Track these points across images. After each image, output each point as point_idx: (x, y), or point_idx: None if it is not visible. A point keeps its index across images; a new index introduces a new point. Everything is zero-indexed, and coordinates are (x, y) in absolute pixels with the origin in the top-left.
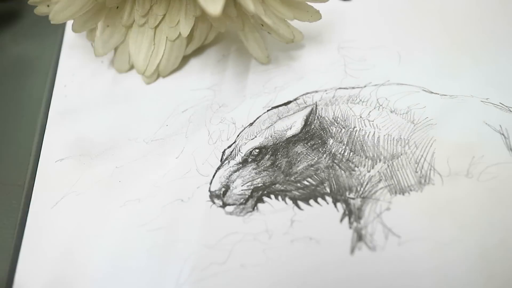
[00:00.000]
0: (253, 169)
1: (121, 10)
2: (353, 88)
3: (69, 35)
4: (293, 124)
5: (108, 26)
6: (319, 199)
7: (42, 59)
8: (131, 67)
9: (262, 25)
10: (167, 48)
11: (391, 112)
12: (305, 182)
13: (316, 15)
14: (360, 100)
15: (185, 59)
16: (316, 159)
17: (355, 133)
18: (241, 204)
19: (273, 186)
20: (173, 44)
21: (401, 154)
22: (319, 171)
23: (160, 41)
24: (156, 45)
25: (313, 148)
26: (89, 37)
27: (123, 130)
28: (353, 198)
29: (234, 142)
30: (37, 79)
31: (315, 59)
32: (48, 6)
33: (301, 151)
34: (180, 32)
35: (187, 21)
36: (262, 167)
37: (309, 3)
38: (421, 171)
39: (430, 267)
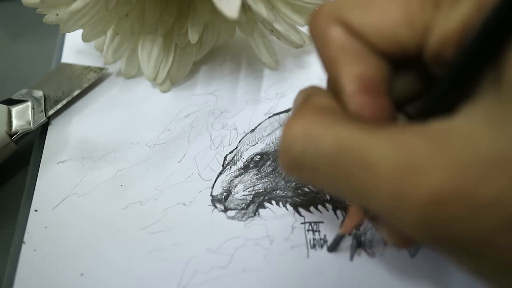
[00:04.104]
0: (255, 174)
1: (130, 18)
2: None
3: (70, 37)
4: None
5: (117, 34)
6: (320, 206)
7: (42, 59)
8: (139, 73)
9: (272, 31)
10: (176, 55)
11: None
12: (306, 189)
13: None
14: None
15: (195, 66)
16: None
17: None
18: (242, 209)
19: (274, 192)
20: (182, 51)
21: None
22: None
23: (169, 48)
24: (166, 52)
25: None
26: (99, 47)
27: (126, 133)
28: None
29: (235, 148)
30: (37, 79)
31: (316, 66)
32: (57, 15)
33: None
34: (189, 39)
35: (196, 27)
36: (264, 173)
37: None
38: None
39: (428, 275)
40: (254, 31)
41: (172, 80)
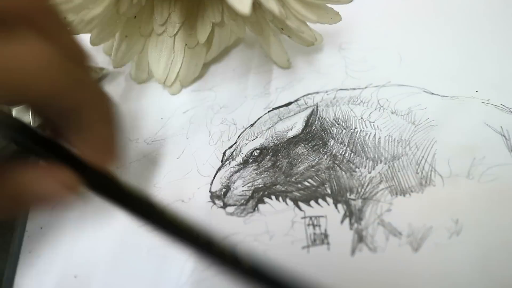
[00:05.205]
0: (254, 169)
1: (139, 19)
2: (354, 89)
3: None
4: (294, 125)
5: (126, 36)
6: (320, 200)
7: None
8: (150, 77)
9: (282, 29)
10: (186, 55)
11: (392, 113)
12: (306, 183)
13: (336, 17)
14: (361, 101)
15: (205, 67)
16: (317, 160)
17: (356, 134)
18: (242, 205)
19: (274, 187)
20: (192, 52)
21: (402, 155)
22: (320, 172)
23: (179, 49)
24: (176, 53)
25: (314, 149)
26: (107, 51)
27: (124, 130)
28: (354, 199)
29: (235, 143)
30: None
31: (316, 60)
32: (65, 18)
33: (302, 152)
34: (198, 39)
35: (204, 27)
36: (263, 168)
37: (329, 5)
38: (422, 172)
39: (431, 269)
40: (264, 30)
41: (182, 82)
